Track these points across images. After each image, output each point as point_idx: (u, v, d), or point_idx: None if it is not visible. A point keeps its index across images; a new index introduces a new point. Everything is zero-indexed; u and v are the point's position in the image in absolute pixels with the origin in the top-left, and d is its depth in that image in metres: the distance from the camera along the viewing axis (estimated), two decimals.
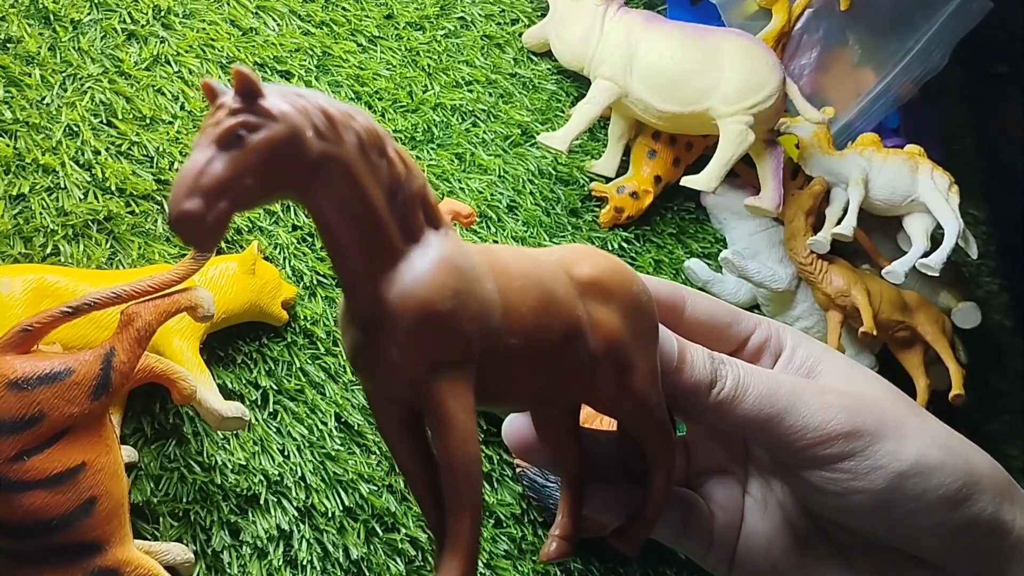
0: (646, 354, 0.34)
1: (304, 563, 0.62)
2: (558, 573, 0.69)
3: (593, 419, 0.64)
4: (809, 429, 0.34)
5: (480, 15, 0.87)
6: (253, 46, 0.74)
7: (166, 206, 0.66)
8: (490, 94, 0.84)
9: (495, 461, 0.71)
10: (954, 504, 0.34)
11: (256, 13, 0.75)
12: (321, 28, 0.78)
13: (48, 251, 0.62)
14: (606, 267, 0.34)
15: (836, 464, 0.34)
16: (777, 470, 0.40)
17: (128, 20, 0.70)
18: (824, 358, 0.39)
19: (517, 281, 0.30)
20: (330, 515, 0.64)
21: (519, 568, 0.68)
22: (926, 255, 0.81)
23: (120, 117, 0.67)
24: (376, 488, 0.66)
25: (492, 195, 0.80)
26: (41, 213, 0.62)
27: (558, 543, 0.37)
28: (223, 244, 0.67)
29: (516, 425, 0.39)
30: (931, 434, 0.35)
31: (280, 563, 0.62)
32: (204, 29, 0.72)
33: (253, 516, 0.62)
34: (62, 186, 0.63)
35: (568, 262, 0.33)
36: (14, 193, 0.62)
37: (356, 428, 0.67)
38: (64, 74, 0.66)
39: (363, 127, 0.28)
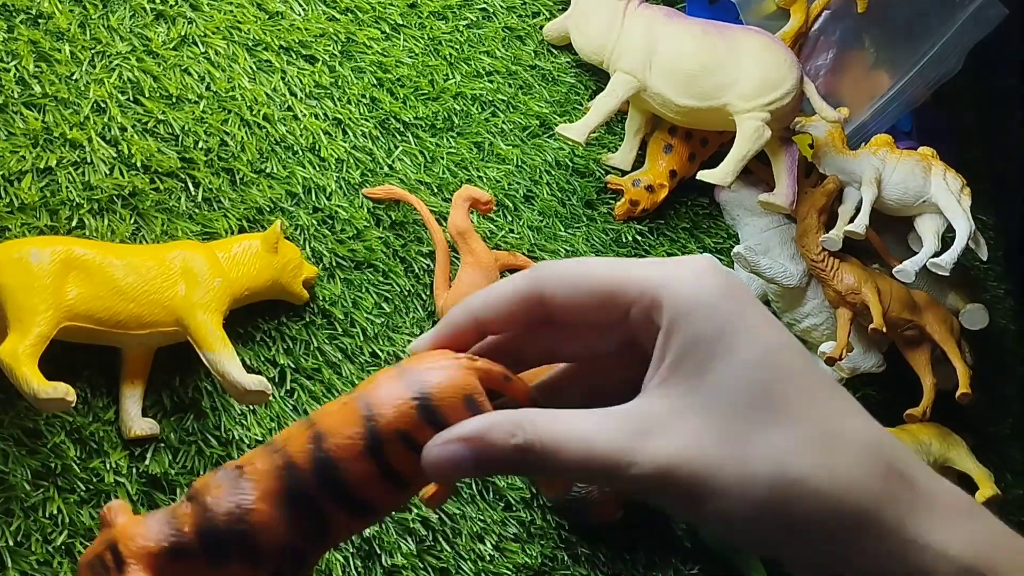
0: None
1: None
2: (565, 557, 0.70)
3: None
4: (628, 492, 0.34)
5: (502, 7, 0.88)
6: (279, 30, 0.75)
7: (189, 184, 0.67)
8: (510, 85, 0.85)
9: None
10: (769, 556, 0.34)
11: None
12: (346, 14, 0.79)
13: (73, 224, 0.63)
14: None
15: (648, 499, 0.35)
16: None
17: (157, 0, 0.71)
18: (690, 353, 0.33)
19: None
20: None
21: (528, 551, 0.69)
22: (936, 255, 0.82)
23: (147, 95, 0.68)
24: None
25: (509, 184, 0.81)
26: (67, 187, 0.63)
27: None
28: (244, 223, 0.68)
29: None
30: (744, 488, 0.32)
31: None
32: (231, 11, 0.73)
33: None
34: (88, 161, 0.64)
35: None
36: (41, 166, 0.63)
37: None
38: (93, 51, 0.67)
39: None
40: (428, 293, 0.73)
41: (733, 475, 0.32)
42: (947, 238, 0.85)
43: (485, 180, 0.80)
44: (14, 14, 0.65)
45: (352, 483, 0.35)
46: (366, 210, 0.73)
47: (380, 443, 0.35)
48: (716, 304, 0.34)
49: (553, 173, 0.84)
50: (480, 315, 0.38)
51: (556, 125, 0.83)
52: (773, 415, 0.32)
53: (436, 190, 0.77)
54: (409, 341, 0.71)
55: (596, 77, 0.89)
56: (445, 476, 0.36)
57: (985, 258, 0.87)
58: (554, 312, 0.37)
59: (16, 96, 0.63)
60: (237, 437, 0.63)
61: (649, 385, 0.34)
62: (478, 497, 0.70)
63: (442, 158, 0.78)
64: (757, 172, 0.90)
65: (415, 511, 0.67)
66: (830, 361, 0.81)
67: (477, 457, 0.34)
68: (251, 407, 0.64)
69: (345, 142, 0.74)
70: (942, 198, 0.83)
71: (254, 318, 0.66)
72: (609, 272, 0.36)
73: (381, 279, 0.72)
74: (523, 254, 0.78)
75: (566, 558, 0.70)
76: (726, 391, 0.33)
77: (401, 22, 0.81)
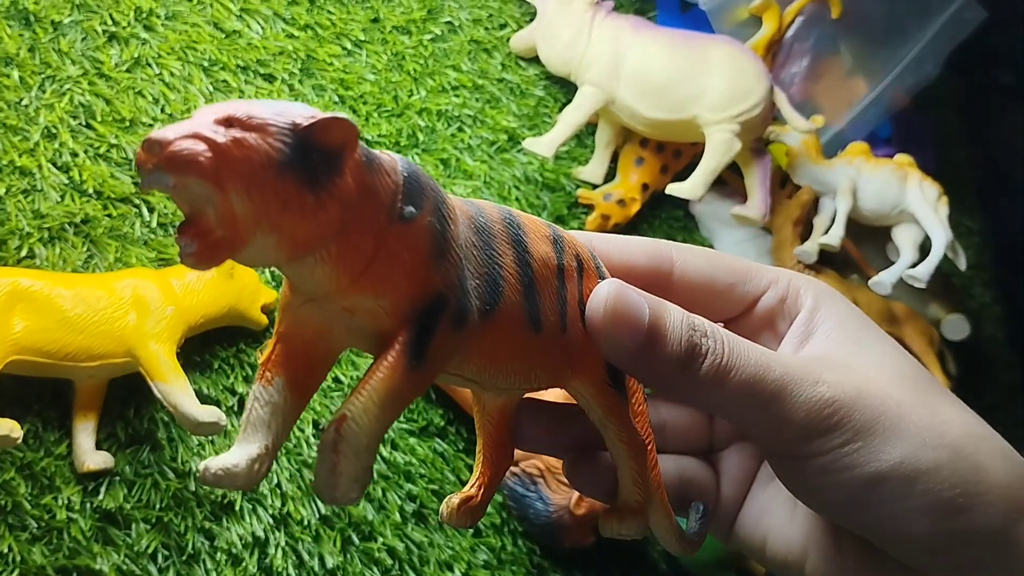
0: None
1: (279, 571, 0.62)
2: None
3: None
4: (791, 424, 0.30)
5: (468, 20, 0.87)
6: (236, 49, 0.73)
7: (144, 209, 0.65)
8: (476, 99, 0.84)
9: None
10: (944, 514, 0.30)
11: (239, 16, 0.75)
12: (306, 31, 0.77)
13: (23, 254, 0.61)
14: None
15: (808, 460, 0.31)
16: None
17: (109, 22, 0.69)
18: (843, 326, 0.34)
19: None
20: (306, 523, 0.63)
21: None
22: (914, 266, 0.81)
23: (99, 119, 0.66)
24: None
25: None
26: (17, 215, 0.61)
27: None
28: None
29: None
30: (936, 433, 0.31)
31: (255, 570, 0.61)
32: (186, 31, 0.72)
33: (228, 523, 0.61)
34: (39, 188, 0.63)
35: None
36: None
37: None
38: (43, 75, 0.66)
39: None
40: None
41: (926, 417, 0.31)
42: (927, 246, 0.83)
43: None
44: None
45: (537, 262, 0.30)
46: None
47: (562, 248, 0.31)
48: (848, 301, 0.36)
49: (522, 188, 0.82)
50: (599, 248, 0.34)
51: (525, 139, 0.82)
52: (940, 393, 0.33)
53: None
54: None
55: (565, 89, 0.88)
56: (610, 328, 0.30)
57: (964, 268, 0.85)
58: (675, 283, 0.35)
59: None
60: (194, 469, 0.61)
61: (804, 349, 0.35)
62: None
63: None
64: (732, 183, 0.88)
65: (380, 540, 0.65)
66: None
67: (653, 327, 0.29)
68: (208, 438, 0.63)
69: None
70: (918, 208, 0.81)
71: (211, 345, 0.65)
72: (742, 259, 0.37)
73: None
74: None
75: None
76: (892, 364, 0.33)
77: (363, 38, 0.80)
